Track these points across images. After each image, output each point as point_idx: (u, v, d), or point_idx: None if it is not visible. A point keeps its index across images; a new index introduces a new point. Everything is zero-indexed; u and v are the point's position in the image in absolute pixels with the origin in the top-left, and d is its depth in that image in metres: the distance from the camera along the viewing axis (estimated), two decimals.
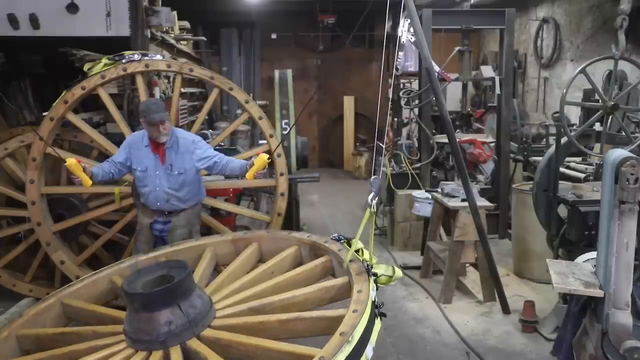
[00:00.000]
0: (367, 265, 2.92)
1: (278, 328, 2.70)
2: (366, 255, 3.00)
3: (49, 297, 3.34)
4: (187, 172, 4.19)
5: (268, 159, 3.93)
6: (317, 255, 3.34)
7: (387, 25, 7.80)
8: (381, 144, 7.74)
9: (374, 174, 2.98)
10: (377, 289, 2.83)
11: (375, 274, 2.88)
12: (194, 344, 2.65)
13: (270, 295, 2.98)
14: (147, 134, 4.16)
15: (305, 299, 2.93)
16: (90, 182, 3.91)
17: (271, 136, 4.92)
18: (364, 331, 2.50)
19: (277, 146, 4.82)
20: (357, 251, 3.07)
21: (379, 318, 2.72)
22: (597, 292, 3.02)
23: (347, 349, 2.35)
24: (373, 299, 2.71)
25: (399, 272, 3.01)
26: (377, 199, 2.88)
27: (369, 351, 2.49)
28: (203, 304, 2.79)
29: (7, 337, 2.98)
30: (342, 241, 3.25)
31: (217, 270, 3.67)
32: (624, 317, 2.89)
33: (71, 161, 3.79)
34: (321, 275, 3.23)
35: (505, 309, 5.04)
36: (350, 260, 2.99)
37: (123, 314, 2.95)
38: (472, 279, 5.73)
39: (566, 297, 3.94)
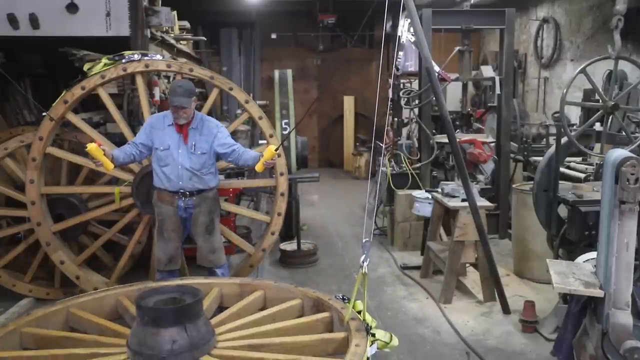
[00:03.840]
0: (367, 325, 2.97)
1: None
2: (367, 318, 3.03)
3: (57, 303, 3.42)
4: (208, 153, 4.36)
5: (276, 149, 4.05)
6: (319, 310, 3.42)
7: (387, 25, 7.80)
8: (381, 145, 7.74)
9: (365, 237, 2.94)
10: (374, 349, 2.87)
11: (373, 334, 2.92)
12: None
13: (271, 337, 3.05)
14: (168, 114, 4.32)
15: (304, 345, 2.99)
16: (112, 165, 3.99)
17: (271, 136, 4.91)
18: None
19: (284, 139, 4.87)
20: (358, 312, 3.12)
21: None
22: (597, 292, 3.02)
23: None
24: (369, 356, 2.76)
25: (395, 341, 3.05)
26: (368, 261, 2.90)
27: None
28: (207, 331, 2.89)
29: (12, 332, 3.05)
30: (346, 301, 3.31)
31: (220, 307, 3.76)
32: (624, 317, 2.89)
33: (92, 145, 3.83)
34: (321, 330, 3.29)
35: (506, 309, 5.04)
36: (351, 318, 3.04)
37: (127, 330, 3.02)
38: (472, 279, 5.73)
39: (566, 297, 3.94)
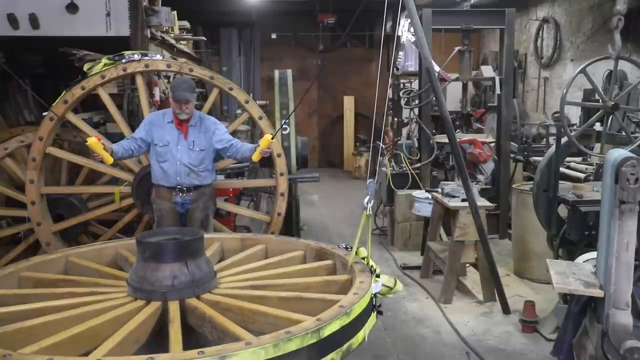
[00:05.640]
0: (371, 267, 2.95)
1: (277, 305, 2.71)
2: (371, 263, 3.02)
3: (55, 252, 3.44)
4: (207, 150, 4.46)
5: (272, 138, 4.11)
6: (322, 259, 3.42)
7: (388, 25, 7.80)
8: (382, 144, 7.74)
9: (369, 177, 2.93)
10: (379, 287, 2.83)
11: (378, 276, 2.89)
12: (193, 302, 2.70)
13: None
14: (168, 112, 4.45)
15: (307, 286, 2.96)
16: (112, 159, 4.07)
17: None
18: (362, 313, 2.53)
19: (279, 129, 4.89)
20: (362, 259, 3.11)
21: (375, 313, 2.73)
22: (597, 292, 3.01)
23: (345, 320, 2.38)
24: (373, 293, 2.73)
25: (399, 286, 3.02)
26: (372, 202, 2.86)
27: (364, 335, 2.51)
28: (209, 270, 2.87)
29: (10, 274, 3.07)
30: (349, 249, 3.29)
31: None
32: (624, 317, 2.89)
33: (92, 140, 3.92)
34: (324, 275, 3.28)
35: (506, 309, 5.04)
36: (355, 262, 3.04)
37: (127, 275, 3.01)
38: (472, 279, 5.73)
39: (566, 297, 3.93)
